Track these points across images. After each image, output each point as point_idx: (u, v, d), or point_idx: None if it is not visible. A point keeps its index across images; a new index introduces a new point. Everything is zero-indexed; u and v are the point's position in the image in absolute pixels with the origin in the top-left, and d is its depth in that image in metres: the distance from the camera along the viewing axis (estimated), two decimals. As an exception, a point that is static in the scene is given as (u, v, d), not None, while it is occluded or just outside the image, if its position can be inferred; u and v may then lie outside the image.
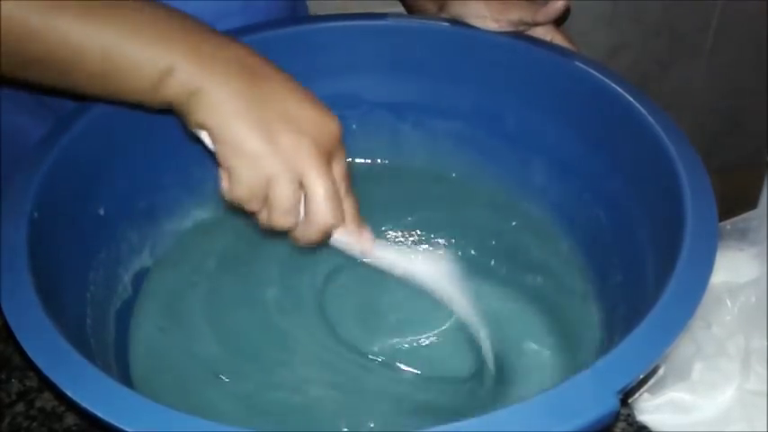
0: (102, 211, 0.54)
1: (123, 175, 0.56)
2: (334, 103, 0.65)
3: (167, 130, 0.51)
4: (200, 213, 0.63)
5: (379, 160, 0.68)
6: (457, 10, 0.61)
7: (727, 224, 0.58)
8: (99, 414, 0.34)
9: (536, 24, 0.59)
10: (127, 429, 0.34)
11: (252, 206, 0.43)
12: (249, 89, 0.42)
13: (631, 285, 0.50)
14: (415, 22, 0.63)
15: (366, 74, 0.64)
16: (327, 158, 0.43)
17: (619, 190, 0.55)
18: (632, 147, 0.53)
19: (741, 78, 1.29)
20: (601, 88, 0.55)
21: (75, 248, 0.50)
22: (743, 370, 0.51)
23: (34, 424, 0.53)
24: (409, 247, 0.52)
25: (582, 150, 0.58)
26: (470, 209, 0.64)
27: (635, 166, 0.53)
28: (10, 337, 0.39)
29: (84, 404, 0.35)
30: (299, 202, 0.43)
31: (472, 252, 0.59)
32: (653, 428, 0.51)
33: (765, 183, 0.57)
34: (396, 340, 0.54)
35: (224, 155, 0.42)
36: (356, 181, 0.65)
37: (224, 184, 0.43)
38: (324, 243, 0.45)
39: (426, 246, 0.58)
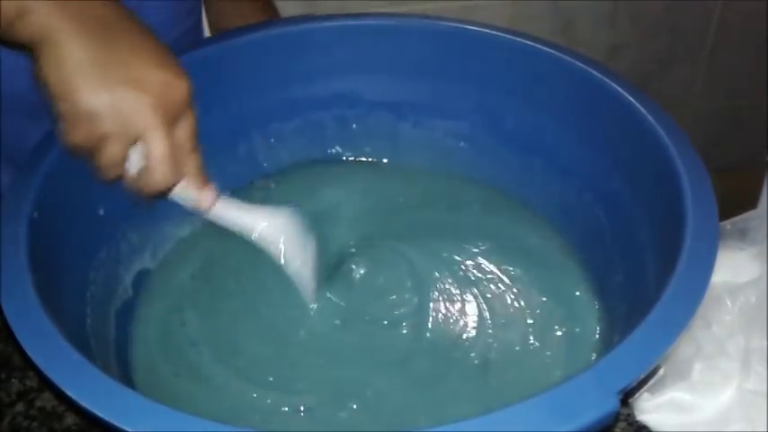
0: (101, 211, 0.54)
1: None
2: (334, 103, 0.66)
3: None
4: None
5: (379, 160, 0.68)
6: None
7: (727, 224, 0.58)
8: (99, 414, 0.34)
9: None
10: (127, 429, 0.34)
11: (84, 155, 0.45)
12: (97, 45, 0.43)
13: (631, 285, 0.50)
14: (415, 22, 0.63)
15: (366, 74, 0.64)
16: (170, 119, 0.45)
17: (619, 190, 0.55)
18: (632, 147, 0.53)
19: (741, 78, 1.30)
20: (601, 88, 0.55)
21: (75, 248, 0.50)
22: (743, 370, 0.51)
23: (34, 424, 0.53)
24: (253, 204, 0.53)
25: (582, 150, 0.58)
26: (470, 209, 0.64)
27: (635, 166, 0.53)
28: (10, 337, 0.39)
29: (84, 404, 0.35)
30: (126, 160, 0.45)
31: (471, 251, 0.59)
32: (653, 428, 0.51)
33: (765, 183, 0.57)
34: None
35: (62, 108, 0.43)
36: (357, 181, 0.66)
37: (61, 132, 0.45)
38: (162, 197, 0.47)
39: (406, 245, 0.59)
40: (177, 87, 0.45)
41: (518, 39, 0.60)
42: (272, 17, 0.78)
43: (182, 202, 0.49)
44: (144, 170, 0.45)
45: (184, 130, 0.46)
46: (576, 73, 0.56)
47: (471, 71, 0.62)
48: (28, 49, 0.44)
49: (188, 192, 0.48)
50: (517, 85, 0.61)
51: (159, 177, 0.45)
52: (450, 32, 0.62)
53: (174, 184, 0.46)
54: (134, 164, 0.45)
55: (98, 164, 0.45)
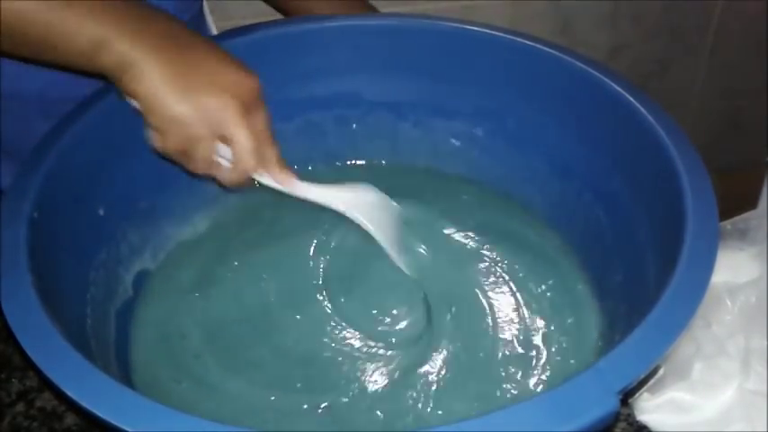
0: (101, 212, 0.54)
1: (123, 176, 0.56)
2: (334, 103, 0.66)
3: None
4: (201, 215, 0.63)
5: (379, 160, 0.68)
6: None
7: (728, 224, 0.58)
8: (99, 414, 0.34)
9: None
10: (127, 429, 0.34)
11: (179, 160, 0.50)
12: (175, 58, 0.48)
13: (631, 285, 0.50)
14: (415, 22, 0.63)
15: (366, 74, 0.64)
16: (248, 112, 0.49)
17: (619, 190, 0.55)
18: (632, 147, 0.53)
19: (741, 78, 1.29)
20: (601, 88, 0.55)
21: (75, 248, 0.50)
22: (743, 370, 0.51)
23: (34, 424, 0.53)
24: (334, 183, 0.55)
25: (582, 150, 0.58)
26: (470, 208, 0.64)
27: (635, 166, 0.53)
28: (10, 337, 0.39)
29: (84, 404, 0.35)
30: (218, 157, 0.50)
31: (471, 251, 0.59)
32: (653, 428, 0.51)
33: (765, 183, 0.57)
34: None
35: (153, 120, 0.48)
36: (356, 180, 0.66)
37: (154, 141, 0.49)
38: (251, 184, 0.52)
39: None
40: (249, 82, 0.49)
41: (518, 39, 0.60)
42: None
43: (269, 186, 0.52)
44: (233, 162, 0.50)
45: (260, 120, 0.50)
46: (576, 73, 0.56)
47: (471, 71, 0.62)
48: (102, 75, 0.49)
49: (272, 176, 0.52)
50: (517, 85, 0.61)
51: (248, 166, 0.49)
52: (451, 32, 0.62)
53: (259, 172, 0.50)
54: (224, 158, 0.50)
55: (192, 164, 0.50)
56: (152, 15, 0.49)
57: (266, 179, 0.52)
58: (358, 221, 0.55)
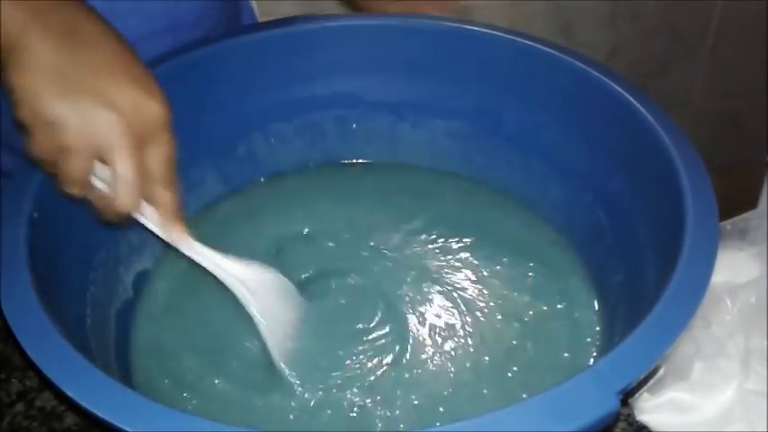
0: (102, 211, 0.54)
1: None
2: (333, 104, 0.66)
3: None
4: (201, 215, 0.63)
5: (378, 160, 0.68)
6: None
7: (728, 224, 0.58)
8: (99, 414, 0.34)
9: None
10: (127, 429, 0.34)
11: (49, 171, 0.43)
12: (66, 53, 0.41)
13: (631, 285, 0.50)
14: (415, 22, 0.63)
15: (366, 74, 0.64)
16: (138, 141, 0.42)
17: (619, 190, 0.55)
18: (632, 147, 0.53)
19: (741, 78, 1.29)
20: (601, 88, 0.55)
21: (75, 248, 0.50)
22: (743, 370, 0.51)
23: (34, 424, 0.53)
24: (225, 254, 0.50)
25: (582, 150, 0.58)
26: (470, 209, 0.64)
27: (635, 166, 0.53)
28: (10, 337, 0.39)
29: (84, 404, 0.35)
30: (89, 177, 0.43)
31: (471, 251, 0.59)
32: (653, 428, 0.51)
33: (765, 183, 0.57)
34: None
35: (23, 116, 0.41)
36: (356, 180, 0.66)
37: (25, 143, 0.43)
38: (127, 220, 0.45)
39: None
40: (150, 109, 0.42)
41: (518, 39, 0.60)
42: None
43: (150, 229, 0.47)
44: (109, 193, 0.43)
45: (156, 155, 0.43)
46: (575, 73, 0.56)
47: (471, 71, 0.62)
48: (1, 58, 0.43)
49: (156, 222, 0.46)
50: (517, 85, 0.61)
51: (121, 201, 0.43)
52: (450, 32, 0.62)
53: (134, 212, 0.44)
54: (98, 183, 0.43)
55: (62, 180, 0.43)
56: (62, 2, 0.42)
57: (149, 224, 0.46)
58: (240, 297, 0.50)
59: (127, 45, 0.44)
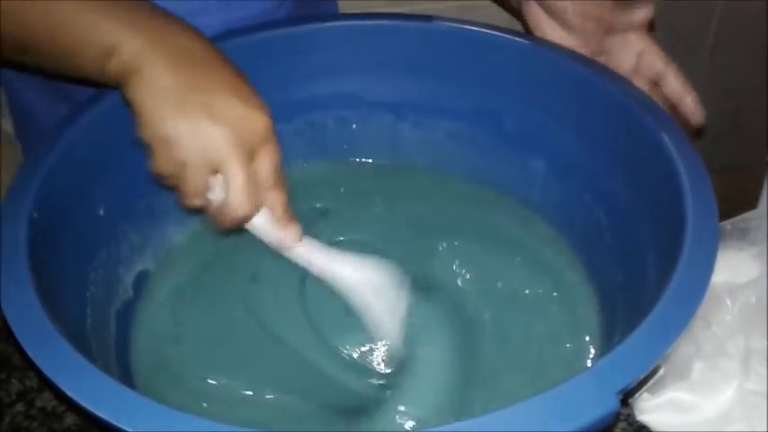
0: (102, 212, 0.54)
1: (123, 176, 0.56)
2: (334, 104, 0.66)
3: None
4: (202, 216, 0.63)
5: (379, 160, 0.68)
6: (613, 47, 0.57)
7: (728, 224, 0.58)
8: (99, 414, 0.34)
9: (617, 27, 0.54)
10: (127, 429, 0.34)
11: (170, 184, 0.47)
12: (183, 76, 0.44)
13: (631, 285, 0.50)
14: (415, 22, 0.63)
15: (366, 74, 0.64)
16: (248, 152, 0.45)
17: (619, 190, 0.55)
18: (632, 147, 0.53)
19: (741, 78, 1.29)
20: (600, 88, 0.55)
21: (75, 248, 0.50)
22: (743, 370, 0.51)
23: (34, 424, 0.53)
24: (340, 250, 0.51)
25: (582, 150, 0.58)
26: (470, 209, 0.64)
27: (635, 166, 0.53)
28: (10, 337, 0.39)
29: (84, 404, 0.35)
30: (208, 189, 0.46)
31: (471, 251, 0.59)
32: (653, 428, 0.51)
33: (765, 183, 0.57)
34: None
35: (145, 134, 0.45)
36: (356, 180, 0.66)
37: (148, 160, 0.46)
38: (242, 229, 0.48)
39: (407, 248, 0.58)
40: (256, 122, 0.45)
41: (518, 39, 0.60)
42: None
43: (263, 238, 0.48)
44: (223, 202, 0.46)
45: (264, 164, 0.46)
46: (575, 73, 0.56)
47: (471, 71, 0.62)
48: (115, 85, 0.46)
49: (269, 227, 0.48)
50: (517, 85, 0.61)
51: (236, 208, 0.45)
52: (450, 32, 0.62)
53: (251, 217, 0.47)
54: (215, 194, 0.46)
55: (180, 191, 0.46)
56: (173, 25, 0.47)
57: (260, 228, 0.48)
58: (351, 301, 0.51)
59: (233, 65, 0.48)
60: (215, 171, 0.45)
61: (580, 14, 0.56)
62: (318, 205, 0.64)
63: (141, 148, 0.46)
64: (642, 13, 0.53)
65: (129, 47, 0.44)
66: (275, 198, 0.47)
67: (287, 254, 0.50)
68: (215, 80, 0.46)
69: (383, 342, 0.53)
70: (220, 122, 0.44)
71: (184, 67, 0.45)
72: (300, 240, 0.49)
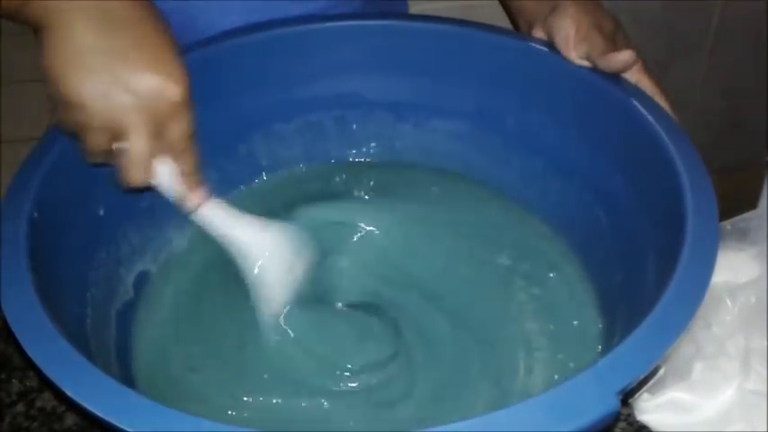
0: (101, 211, 0.54)
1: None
2: (334, 104, 0.66)
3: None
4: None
5: (379, 160, 0.68)
6: (553, 20, 0.57)
7: (728, 224, 0.58)
8: (99, 414, 0.34)
9: (599, 67, 0.54)
10: (127, 429, 0.34)
11: (75, 138, 0.47)
12: (98, 36, 0.44)
13: (631, 285, 0.50)
14: (415, 22, 0.63)
15: (366, 74, 0.64)
16: (154, 122, 0.45)
17: (619, 190, 0.55)
18: (632, 147, 0.53)
19: (741, 78, 1.29)
20: (600, 88, 0.55)
21: (75, 248, 0.50)
22: (743, 370, 0.51)
23: (34, 424, 0.53)
24: (243, 214, 0.52)
25: (582, 150, 0.58)
26: (470, 209, 0.64)
27: (635, 166, 0.53)
28: (10, 337, 0.39)
29: (84, 404, 0.35)
30: (108, 151, 0.46)
31: (471, 251, 0.59)
32: (653, 428, 0.51)
33: (765, 183, 0.57)
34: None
35: (51, 91, 0.45)
36: (356, 180, 0.66)
37: (53, 111, 0.46)
38: (147, 189, 0.49)
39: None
40: (167, 93, 0.45)
41: (518, 39, 0.60)
42: None
43: (170, 198, 0.50)
44: (123, 166, 0.47)
45: (174, 132, 0.47)
46: (575, 73, 0.56)
47: (471, 71, 0.62)
48: (35, 32, 0.45)
49: (176, 188, 0.49)
50: (517, 85, 0.61)
51: (132, 175, 0.47)
52: (451, 32, 0.62)
53: (143, 184, 0.48)
54: (119, 155, 0.47)
55: (86, 149, 0.47)
56: None
57: (167, 188, 0.49)
58: (241, 264, 0.52)
59: (160, 28, 0.47)
60: (117, 136, 0.45)
61: (576, 43, 0.56)
62: (318, 205, 0.63)
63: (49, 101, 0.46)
64: (615, 62, 0.53)
65: None
66: (184, 163, 0.49)
67: (192, 216, 0.51)
68: (132, 45, 0.45)
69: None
70: (128, 92, 0.44)
71: (104, 27, 0.44)
72: (202, 204, 0.50)
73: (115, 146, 0.46)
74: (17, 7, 0.45)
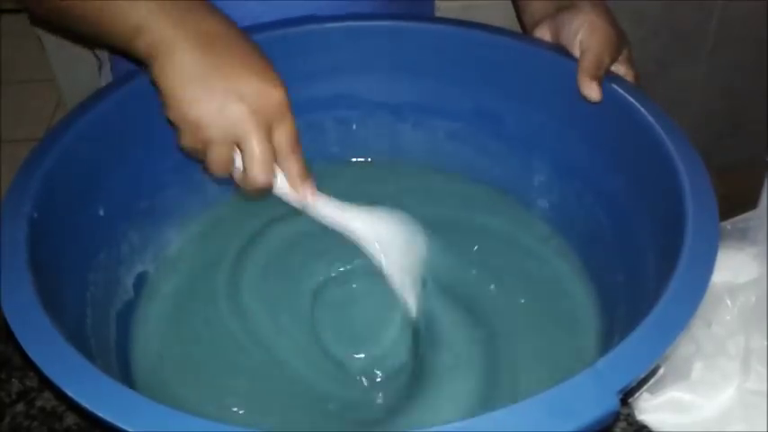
0: (101, 212, 0.54)
1: (123, 176, 0.56)
2: (334, 104, 0.66)
3: (167, 131, 0.51)
4: (203, 216, 0.63)
5: (379, 160, 0.68)
6: (564, 19, 0.58)
7: (728, 224, 0.58)
8: (99, 414, 0.34)
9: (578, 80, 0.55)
10: (127, 429, 0.34)
11: (197, 158, 0.51)
12: (207, 59, 0.48)
13: (631, 285, 0.50)
14: (414, 23, 0.63)
15: (366, 74, 0.64)
16: (265, 125, 0.49)
17: (619, 190, 0.55)
18: (633, 147, 0.53)
19: (741, 78, 1.29)
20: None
21: (74, 249, 0.50)
22: (743, 369, 0.51)
23: (34, 424, 0.53)
24: (356, 205, 0.55)
25: (582, 150, 0.58)
26: (470, 209, 0.64)
27: (635, 166, 0.53)
28: (10, 337, 0.39)
29: (85, 404, 0.35)
30: (232, 161, 0.50)
31: (471, 251, 0.59)
32: (653, 428, 0.51)
33: (765, 183, 0.57)
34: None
35: (170, 116, 0.49)
36: (356, 180, 0.66)
37: (176, 135, 0.50)
38: (265, 193, 0.52)
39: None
40: (273, 95, 0.49)
41: (518, 39, 0.60)
42: None
43: (284, 198, 0.53)
44: (243, 171, 0.50)
45: (282, 133, 0.50)
46: (575, 73, 0.56)
47: (471, 71, 0.62)
48: (142, 62, 0.50)
49: (287, 189, 0.52)
50: (517, 85, 0.61)
51: (255, 177, 0.49)
52: (451, 33, 0.62)
53: (269, 184, 0.51)
54: (239, 164, 0.50)
55: (208, 165, 0.50)
56: (198, 9, 0.50)
57: (280, 190, 0.52)
58: (371, 255, 0.54)
59: (253, 46, 0.51)
60: (237, 145, 0.49)
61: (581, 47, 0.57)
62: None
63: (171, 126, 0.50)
64: (584, 91, 0.54)
65: (156, 29, 0.48)
66: (292, 162, 0.51)
67: (306, 210, 0.53)
68: (235, 62, 0.49)
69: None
70: (240, 101, 0.48)
71: (208, 50, 0.48)
72: (314, 198, 0.53)
73: (237, 153, 0.50)
74: (126, 43, 0.49)
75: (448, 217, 0.63)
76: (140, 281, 0.58)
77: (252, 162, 0.49)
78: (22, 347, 0.38)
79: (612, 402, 0.34)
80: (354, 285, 0.58)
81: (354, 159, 0.68)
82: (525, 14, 0.65)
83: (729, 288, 0.54)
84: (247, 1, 0.63)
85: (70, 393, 0.36)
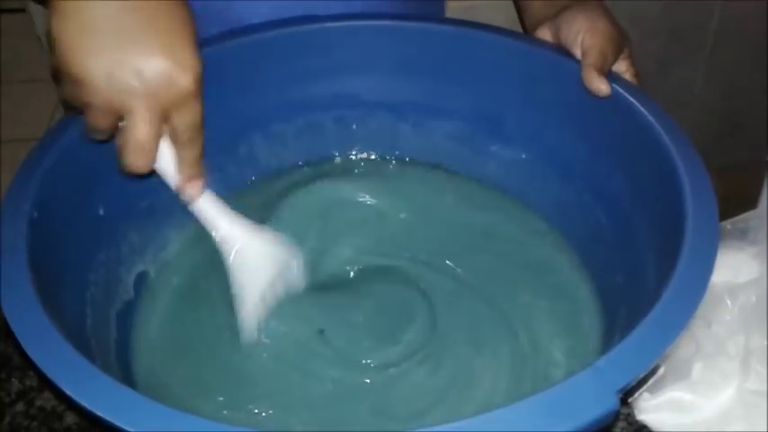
0: (101, 212, 0.54)
1: (123, 176, 0.56)
2: (334, 104, 0.66)
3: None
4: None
5: (378, 160, 0.68)
6: (563, 19, 0.58)
7: (728, 224, 0.58)
8: (99, 413, 0.34)
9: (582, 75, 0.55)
10: (127, 429, 0.34)
11: (73, 110, 0.46)
12: (119, 14, 0.42)
13: (631, 285, 0.50)
14: (414, 23, 0.63)
15: (366, 74, 0.64)
16: (160, 108, 0.44)
17: (619, 190, 0.55)
18: (632, 147, 0.53)
19: (741, 78, 1.29)
20: (601, 88, 0.55)
21: (74, 248, 0.50)
22: (743, 369, 0.51)
23: (34, 423, 0.53)
24: (239, 216, 0.52)
25: (582, 151, 0.58)
26: (469, 209, 0.64)
27: (635, 167, 0.53)
28: (10, 336, 0.39)
29: (85, 404, 0.35)
30: (111, 129, 0.45)
31: (471, 251, 0.59)
32: (653, 428, 0.51)
33: (765, 183, 0.57)
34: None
35: (54, 62, 0.43)
36: (356, 180, 0.66)
37: (56, 80, 0.45)
38: (145, 175, 0.47)
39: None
40: (177, 81, 0.43)
41: (518, 39, 0.60)
42: None
43: (168, 185, 0.49)
44: (121, 147, 0.45)
45: (180, 121, 0.45)
46: (575, 73, 0.56)
47: (471, 71, 0.62)
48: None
49: (173, 178, 0.49)
50: (517, 85, 0.61)
51: (131, 160, 0.45)
52: (451, 33, 0.62)
53: (143, 172, 0.46)
54: (121, 136, 0.45)
55: (87, 123, 0.45)
56: None
57: (165, 176, 0.48)
58: (227, 260, 0.52)
59: (178, 11, 0.45)
60: (121, 117, 0.44)
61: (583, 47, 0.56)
62: (317, 205, 0.63)
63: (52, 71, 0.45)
64: (589, 87, 0.54)
65: None
66: (187, 153, 0.47)
67: (184, 201, 0.50)
68: (145, 27, 0.43)
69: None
70: (135, 77, 0.42)
71: (129, 8, 0.42)
72: (200, 196, 0.50)
73: (120, 125, 0.45)
74: None
75: (447, 217, 0.63)
76: (140, 281, 0.58)
77: (128, 145, 0.44)
78: (21, 347, 0.38)
79: (612, 402, 0.34)
80: (357, 284, 0.58)
81: (354, 159, 0.68)
82: (526, 15, 0.65)
83: (729, 288, 0.54)
84: (260, 1, 0.62)
85: (70, 393, 0.36)
